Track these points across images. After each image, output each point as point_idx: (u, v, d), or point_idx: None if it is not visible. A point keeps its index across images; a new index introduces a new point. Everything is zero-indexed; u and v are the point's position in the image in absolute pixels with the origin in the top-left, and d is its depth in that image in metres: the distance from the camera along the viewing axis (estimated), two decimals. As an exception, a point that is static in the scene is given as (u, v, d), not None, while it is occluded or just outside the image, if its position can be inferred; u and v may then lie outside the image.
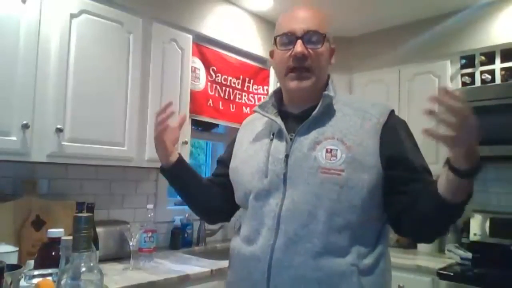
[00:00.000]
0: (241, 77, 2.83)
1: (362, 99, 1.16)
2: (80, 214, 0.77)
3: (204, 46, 2.58)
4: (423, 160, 1.04)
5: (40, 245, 1.31)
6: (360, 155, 0.98)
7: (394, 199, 1.00)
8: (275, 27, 1.13)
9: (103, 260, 1.95)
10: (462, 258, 2.46)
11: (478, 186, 2.76)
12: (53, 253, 1.16)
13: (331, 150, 0.99)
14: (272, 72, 2.92)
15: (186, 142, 2.35)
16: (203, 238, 2.72)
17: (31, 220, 1.84)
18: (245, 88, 2.87)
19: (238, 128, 1.29)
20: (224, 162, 1.25)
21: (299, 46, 1.03)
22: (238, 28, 2.78)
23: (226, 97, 2.73)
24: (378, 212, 1.03)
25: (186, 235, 2.62)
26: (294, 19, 1.07)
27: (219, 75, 2.68)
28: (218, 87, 2.68)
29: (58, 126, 1.78)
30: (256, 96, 2.91)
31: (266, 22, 2.92)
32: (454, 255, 2.51)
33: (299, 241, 0.97)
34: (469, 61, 2.63)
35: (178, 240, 2.56)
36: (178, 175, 1.23)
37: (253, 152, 1.12)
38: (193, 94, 2.47)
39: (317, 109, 1.04)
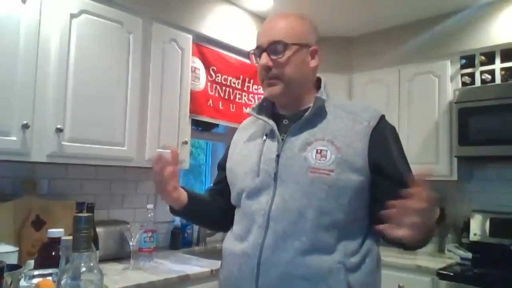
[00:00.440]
0: (241, 77, 2.83)
1: (355, 103, 1.20)
2: (80, 214, 0.77)
3: (204, 46, 2.58)
4: (406, 169, 1.07)
5: (40, 245, 1.31)
6: (349, 156, 1.02)
7: (373, 203, 1.05)
8: None
9: (103, 260, 1.95)
10: (462, 258, 2.46)
11: (478, 186, 2.79)
12: (53, 253, 1.15)
13: (321, 151, 1.03)
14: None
15: (186, 142, 2.35)
16: (203, 238, 2.72)
17: (31, 220, 1.84)
18: (245, 88, 2.87)
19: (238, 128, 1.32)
20: (222, 167, 1.28)
21: (263, 58, 1.10)
22: (238, 28, 2.78)
23: (226, 97, 2.73)
24: (365, 211, 1.06)
25: (186, 235, 2.62)
26: (261, 32, 1.15)
27: (219, 75, 2.68)
28: (218, 87, 2.68)
29: (58, 126, 1.78)
30: (256, 96, 2.91)
31: (266, 22, 2.92)
32: (454, 255, 2.52)
33: (288, 239, 1.00)
34: (469, 61, 2.63)
35: (178, 240, 2.56)
36: (190, 212, 1.24)
37: (247, 152, 1.16)
38: (193, 94, 2.47)
39: (309, 111, 1.08)
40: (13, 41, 1.67)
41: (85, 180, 2.23)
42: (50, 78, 1.78)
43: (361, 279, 1.01)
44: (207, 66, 2.60)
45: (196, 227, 2.69)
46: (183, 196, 1.19)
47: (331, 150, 1.02)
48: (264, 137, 1.13)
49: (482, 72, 2.57)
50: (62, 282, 0.75)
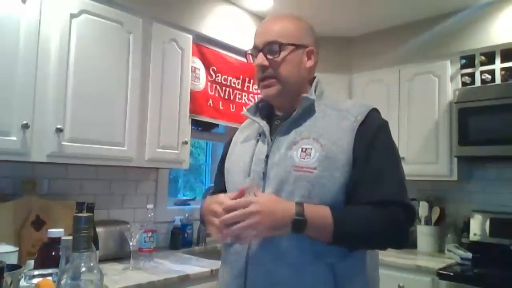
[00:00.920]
0: (241, 77, 2.83)
1: (347, 101, 1.18)
2: (80, 214, 0.77)
3: (204, 46, 2.58)
4: (387, 165, 1.03)
5: (40, 245, 1.31)
6: (333, 153, 1.01)
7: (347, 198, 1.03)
8: None
9: (103, 260, 1.96)
10: (462, 258, 2.46)
11: (478, 186, 2.79)
12: (53, 253, 1.16)
13: (306, 149, 1.03)
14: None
15: (186, 142, 2.35)
16: (203, 238, 2.72)
17: (31, 220, 1.84)
18: (245, 88, 2.87)
19: (238, 128, 1.33)
20: (220, 167, 1.29)
21: (259, 58, 1.11)
22: (238, 28, 2.78)
23: (226, 97, 2.73)
24: None
25: (186, 235, 2.62)
26: (258, 33, 1.16)
27: (219, 75, 2.68)
28: (218, 87, 2.68)
29: (58, 126, 1.78)
30: (256, 96, 2.91)
31: (266, 22, 2.92)
32: (454, 255, 2.51)
33: (273, 237, 0.99)
34: (469, 61, 2.63)
35: (178, 240, 2.56)
36: None
37: (241, 153, 1.18)
38: (193, 94, 2.47)
39: (296, 111, 1.09)
40: (13, 41, 1.67)
41: (85, 180, 2.23)
42: (50, 78, 1.78)
43: (352, 279, 1.01)
44: (207, 66, 2.60)
45: (196, 227, 2.69)
46: None
47: (316, 148, 1.02)
48: (258, 138, 1.15)
49: (482, 72, 2.57)
50: (62, 282, 0.75)
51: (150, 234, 2.13)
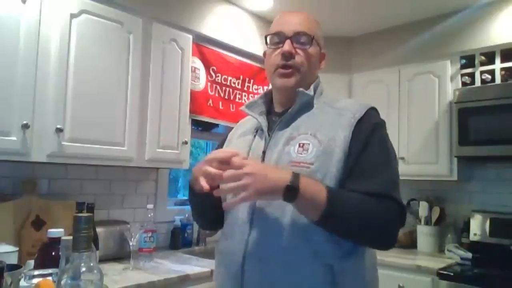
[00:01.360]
0: (241, 77, 2.83)
1: (346, 99, 1.17)
2: (80, 214, 0.77)
3: (204, 46, 2.58)
4: (381, 164, 1.01)
5: (40, 245, 1.31)
6: (330, 149, 1.00)
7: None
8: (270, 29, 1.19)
9: (103, 260, 1.96)
10: (462, 258, 2.46)
11: (478, 186, 2.79)
12: (53, 253, 1.16)
13: (303, 144, 1.02)
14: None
15: (186, 142, 2.35)
16: (203, 238, 2.72)
17: (31, 220, 1.84)
18: (245, 88, 2.87)
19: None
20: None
21: (287, 45, 1.08)
22: (238, 28, 2.78)
23: (226, 97, 2.73)
24: None
25: (186, 235, 2.62)
26: (285, 21, 1.13)
27: (219, 75, 2.68)
28: (218, 87, 2.68)
29: (58, 126, 1.78)
30: (256, 97, 2.91)
31: (266, 22, 2.92)
32: (454, 255, 2.51)
33: (270, 235, 0.99)
34: (469, 61, 2.63)
35: (178, 240, 2.56)
36: (204, 200, 1.16)
37: (238, 148, 1.15)
38: (193, 94, 2.47)
39: (293, 106, 1.08)
40: (13, 41, 1.67)
41: (85, 180, 2.23)
42: (50, 78, 1.78)
43: (350, 279, 0.99)
44: (207, 66, 2.60)
45: (196, 227, 2.69)
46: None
47: (313, 143, 1.01)
48: (254, 133, 1.14)
49: (482, 72, 2.57)
50: (62, 282, 0.75)
51: (150, 234, 2.13)
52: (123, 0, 2.08)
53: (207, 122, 2.69)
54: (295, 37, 1.09)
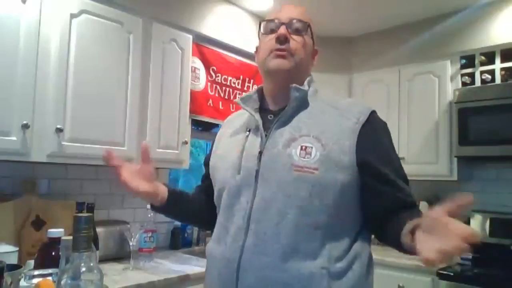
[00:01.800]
0: (241, 77, 2.83)
1: (343, 99, 1.14)
2: (80, 214, 0.77)
3: (204, 46, 2.58)
4: (397, 167, 1.02)
5: (40, 245, 1.31)
6: (335, 153, 0.96)
7: (365, 205, 1.01)
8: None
9: (103, 260, 1.96)
10: (462, 258, 2.45)
11: (478, 186, 2.78)
12: (53, 253, 1.16)
13: (306, 147, 0.97)
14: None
15: (186, 142, 2.35)
16: (203, 238, 2.72)
17: (31, 220, 1.84)
18: (245, 88, 2.87)
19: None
20: (206, 163, 1.24)
21: (282, 29, 1.06)
22: (238, 28, 2.78)
23: (226, 97, 2.73)
24: (353, 213, 1.01)
25: (186, 235, 2.62)
26: (282, 10, 1.12)
27: (219, 75, 2.68)
28: (218, 87, 2.68)
29: (58, 126, 1.78)
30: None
31: (266, 22, 2.92)
32: (454, 255, 2.51)
33: (268, 241, 0.94)
34: (469, 61, 2.63)
35: (178, 240, 2.56)
36: (172, 208, 1.17)
37: (229, 148, 1.11)
38: (193, 94, 2.47)
39: (289, 103, 1.04)
40: (13, 41, 1.67)
41: (85, 180, 2.23)
42: (50, 78, 1.78)
43: (347, 286, 0.94)
44: (207, 66, 2.60)
45: (196, 227, 2.69)
46: (163, 192, 1.12)
47: (316, 147, 0.96)
48: (247, 131, 1.09)
49: (482, 72, 2.57)
50: (62, 282, 0.75)
51: (150, 234, 2.13)
52: (123, 0, 2.08)
53: (207, 122, 2.69)
54: (290, 23, 1.07)
